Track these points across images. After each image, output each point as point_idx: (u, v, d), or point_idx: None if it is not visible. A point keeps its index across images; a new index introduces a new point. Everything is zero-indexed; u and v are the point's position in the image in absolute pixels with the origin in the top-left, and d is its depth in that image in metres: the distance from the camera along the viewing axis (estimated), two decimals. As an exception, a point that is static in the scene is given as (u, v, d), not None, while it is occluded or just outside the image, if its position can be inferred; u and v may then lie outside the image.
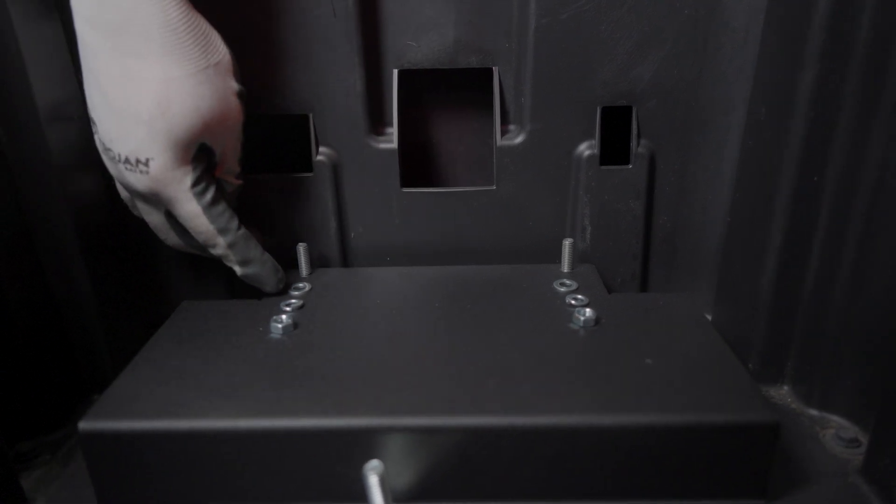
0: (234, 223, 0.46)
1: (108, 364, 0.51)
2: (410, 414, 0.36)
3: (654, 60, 0.51)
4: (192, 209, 0.44)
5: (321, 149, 0.54)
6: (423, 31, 0.52)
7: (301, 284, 0.51)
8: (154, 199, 0.44)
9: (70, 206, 0.46)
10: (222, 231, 0.45)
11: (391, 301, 0.49)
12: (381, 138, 0.54)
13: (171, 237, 0.48)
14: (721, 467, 0.36)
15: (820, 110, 0.43)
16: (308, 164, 0.54)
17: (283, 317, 0.45)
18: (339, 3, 0.49)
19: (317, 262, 0.56)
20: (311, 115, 0.53)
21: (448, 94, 0.57)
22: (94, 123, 0.43)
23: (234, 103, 0.44)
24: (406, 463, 0.37)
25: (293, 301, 0.48)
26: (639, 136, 0.54)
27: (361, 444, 0.36)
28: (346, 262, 0.58)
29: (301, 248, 0.53)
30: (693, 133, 0.54)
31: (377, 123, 0.55)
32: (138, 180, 0.42)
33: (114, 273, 0.51)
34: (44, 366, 0.47)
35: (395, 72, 0.53)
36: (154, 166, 0.41)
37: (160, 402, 0.38)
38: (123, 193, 0.48)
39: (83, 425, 0.36)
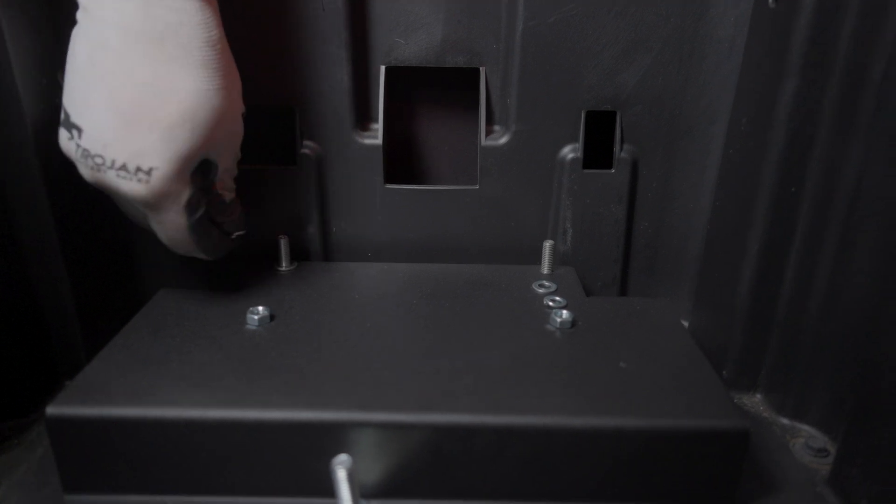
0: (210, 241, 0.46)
1: (82, 350, 0.50)
2: (383, 409, 0.36)
3: (640, 67, 0.52)
4: (179, 222, 0.43)
5: (306, 142, 0.54)
6: (411, 29, 0.52)
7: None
8: (142, 206, 0.43)
9: (48, 191, 0.46)
10: (198, 244, 0.45)
11: (370, 297, 0.49)
12: (366, 134, 0.54)
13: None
14: (691, 473, 0.37)
15: (800, 122, 0.43)
16: (292, 157, 0.54)
17: (260, 308, 0.45)
18: (328, -3, 0.49)
19: (298, 256, 0.56)
20: (296, 109, 0.53)
21: (434, 92, 0.57)
22: (74, 129, 0.40)
23: (240, 123, 0.45)
24: (377, 459, 0.37)
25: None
26: (622, 141, 0.54)
27: (333, 438, 0.36)
28: (327, 256, 0.57)
29: (282, 241, 0.53)
30: (676, 140, 0.54)
31: (363, 119, 0.55)
32: (132, 188, 0.41)
33: (91, 259, 0.51)
34: (16, 350, 0.47)
35: (383, 68, 0.53)
36: (157, 175, 0.40)
37: (130, 389, 0.38)
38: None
39: (50, 410, 0.36)
